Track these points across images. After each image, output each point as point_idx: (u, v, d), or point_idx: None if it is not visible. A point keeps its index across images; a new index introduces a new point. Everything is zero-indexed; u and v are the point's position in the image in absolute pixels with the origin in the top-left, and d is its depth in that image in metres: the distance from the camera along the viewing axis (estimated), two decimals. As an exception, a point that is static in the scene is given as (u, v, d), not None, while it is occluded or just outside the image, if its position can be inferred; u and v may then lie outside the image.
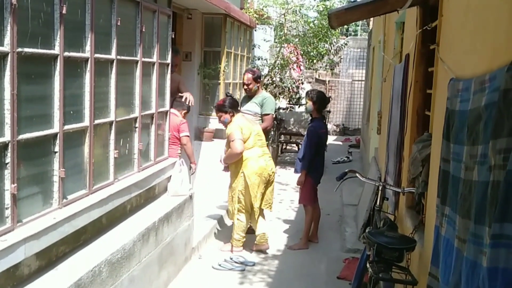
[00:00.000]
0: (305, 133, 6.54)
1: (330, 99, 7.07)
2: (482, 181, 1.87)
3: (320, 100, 6.35)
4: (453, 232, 2.20)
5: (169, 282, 5.00)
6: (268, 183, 5.91)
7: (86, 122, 3.76)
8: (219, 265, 5.56)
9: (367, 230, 3.85)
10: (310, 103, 6.33)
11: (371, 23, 13.77)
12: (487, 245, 1.73)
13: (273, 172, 5.96)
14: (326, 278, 5.42)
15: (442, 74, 3.13)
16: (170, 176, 5.43)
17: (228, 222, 6.98)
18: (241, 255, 5.87)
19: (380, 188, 4.39)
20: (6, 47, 2.84)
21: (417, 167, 3.57)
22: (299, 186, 6.46)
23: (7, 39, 2.84)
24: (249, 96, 6.93)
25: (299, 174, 6.31)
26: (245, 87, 6.85)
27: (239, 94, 9.37)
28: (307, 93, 6.62)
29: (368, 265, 3.58)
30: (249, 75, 6.81)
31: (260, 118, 6.79)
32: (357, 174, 4.63)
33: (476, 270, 1.84)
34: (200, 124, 8.25)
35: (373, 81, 10.07)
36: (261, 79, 7.65)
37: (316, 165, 6.33)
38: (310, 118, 6.65)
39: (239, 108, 6.17)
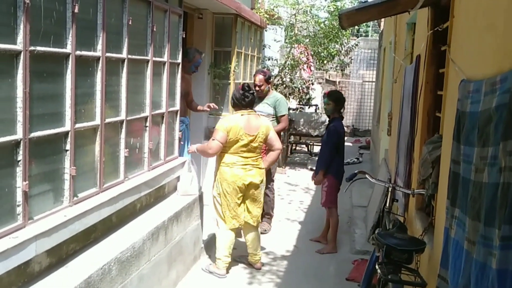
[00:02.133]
0: (325, 133, 6.47)
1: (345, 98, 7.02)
2: (492, 182, 1.86)
3: (339, 100, 6.33)
4: (463, 234, 2.19)
5: (178, 281, 5.02)
6: (247, 195, 5.28)
7: (97, 121, 3.78)
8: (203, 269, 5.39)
9: (376, 232, 3.84)
10: (332, 105, 6.28)
11: (382, 24, 13.73)
12: (497, 247, 1.72)
13: (253, 184, 5.23)
14: (335, 280, 5.41)
15: (453, 76, 3.12)
16: (180, 175, 5.45)
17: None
18: (215, 271, 5.29)
19: (390, 189, 4.38)
20: (19, 46, 2.87)
21: (427, 169, 3.56)
22: (324, 190, 6.28)
23: (20, 38, 2.87)
24: (260, 97, 6.90)
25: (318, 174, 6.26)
26: (257, 88, 6.77)
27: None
28: (327, 95, 6.58)
29: (377, 266, 3.58)
30: (261, 76, 6.78)
31: (274, 119, 6.79)
32: (367, 175, 4.62)
33: (486, 272, 1.83)
34: (210, 124, 8.25)
35: (384, 82, 10.03)
36: (272, 79, 7.61)
37: (337, 165, 6.21)
38: (327, 119, 6.60)
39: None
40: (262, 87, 6.75)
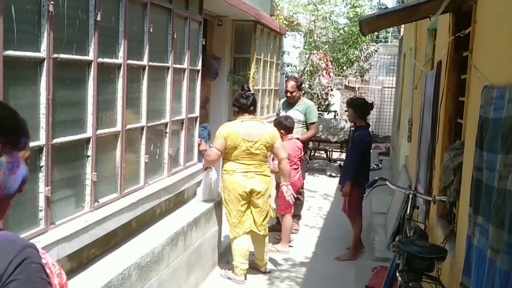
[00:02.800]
0: (350, 142, 6.38)
1: (373, 104, 6.84)
2: (516, 190, 1.84)
3: (361, 107, 6.19)
4: (486, 242, 2.16)
5: (197, 286, 5.03)
6: (252, 203, 5.18)
7: (118, 127, 3.82)
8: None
9: (397, 239, 3.81)
10: (351, 111, 6.23)
11: (402, 30, 13.65)
12: (522, 256, 1.70)
13: (256, 192, 5.12)
14: (355, 287, 5.37)
15: (475, 82, 3.09)
16: (200, 181, 5.46)
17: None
18: (233, 277, 5.24)
19: (410, 196, 4.33)
20: (42, 53, 2.92)
21: (449, 176, 3.52)
22: (347, 199, 6.18)
23: (43, 45, 2.92)
24: (290, 103, 6.93)
25: (340, 185, 6.18)
26: (289, 94, 6.84)
27: (267, 101, 9.38)
28: (347, 102, 6.53)
29: (397, 274, 3.54)
30: (293, 83, 6.84)
31: (303, 126, 6.82)
32: (387, 182, 4.58)
33: (510, 280, 1.80)
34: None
35: (404, 88, 9.96)
36: (303, 86, 7.67)
37: (363, 175, 6.03)
38: (346, 125, 6.54)
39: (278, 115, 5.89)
40: (294, 93, 6.83)
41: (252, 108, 5.20)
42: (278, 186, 5.97)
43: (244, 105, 5.16)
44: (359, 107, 6.18)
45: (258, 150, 5.10)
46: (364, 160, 6.10)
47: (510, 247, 1.84)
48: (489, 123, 2.34)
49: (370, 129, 6.46)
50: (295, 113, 6.79)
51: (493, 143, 2.22)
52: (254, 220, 5.23)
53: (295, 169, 6.17)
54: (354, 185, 6.00)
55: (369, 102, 6.56)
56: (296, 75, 11.37)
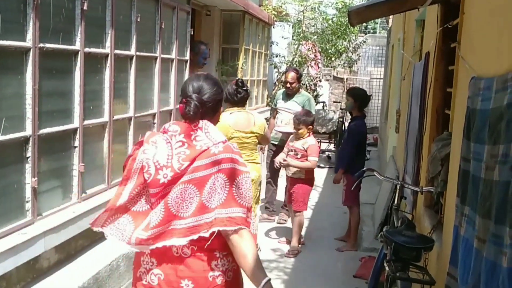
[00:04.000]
0: (346, 131, 6.38)
1: (371, 97, 6.88)
2: (503, 181, 1.85)
3: (362, 98, 6.22)
4: (473, 232, 2.18)
5: (185, 277, 5.02)
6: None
7: (105, 118, 3.79)
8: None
9: (384, 229, 3.82)
10: (351, 101, 6.24)
11: (390, 20, 13.67)
12: (508, 246, 1.71)
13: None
14: (343, 277, 5.40)
15: (463, 73, 3.10)
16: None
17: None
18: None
19: (398, 187, 4.36)
20: (28, 43, 2.88)
21: (436, 166, 3.54)
22: (343, 189, 6.21)
23: (29, 35, 2.88)
24: (289, 94, 6.91)
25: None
26: (289, 85, 6.83)
27: (256, 91, 9.36)
28: (347, 90, 6.55)
29: (385, 264, 3.57)
30: (293, 74, 6.82)
31: None
32: (375, 173, 4.60)
33: (496, 270, 1.82)
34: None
35: (392, 79, 9.99)
36: (302, 77, 7.66)
37: (359, 164, 5.98)
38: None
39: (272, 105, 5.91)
40: (294, 85, 6.82)
41: (243, 100, 5.19)
42: (293, 182, 5.97)
43: (237, 100, 5.10)
44: (360, 98, 6.20)
45: (250, 139, 5.09)
46: (360, 150, 6.12)
47: (496, 237, 1.85)
48: (476, 114, 2.35)
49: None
50: (293, 105, 6.79)
51: (481, 134, 2.23)
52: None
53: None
54: (350, 174, 6.01)
55: (368, 94, 6.59)
56: (284, 65, 11.36)
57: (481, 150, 2.19)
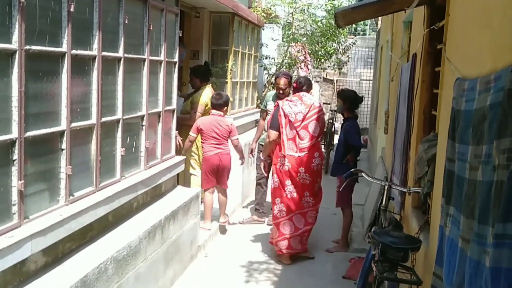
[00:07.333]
0: (340, 133, 6.37)
1: (363, 98, 6.91)
2: (486, 181, 1.87)
3: (350, 99, 6.29)
4: (457, 232, 2.20)
5: (175, 279, 5.02)
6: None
7: (93, 120, 3.78)
8: None
9: (372, 230, 3.84)
10: (340, 102, 6.29)
11: (379, 22, 13.73)
12: (490, 245, 1.73)
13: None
14: (332, 278, 5.42)
15: (449, 74, 3.13)
16: (178, 174, 5.45)
17: (234, 220, 7.01)
18: None
19: (386, 187, 4.38)
20: (14, 45, 2.87)
21: (423, 167, 3.56)
22: (336, 190, 6.27)
23: (15, 37, 2.87)
24: (280, 98, 6.95)
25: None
26: (281, 91, 6.86)
27: (246, 93, 9.37)
28: (337, 92, 6.60)
29: (373, 264, 3.58)
30: (285, 80, 6.84)
31: None
32: (363, 174, 4.62)
33: (480, 270, 1.83)
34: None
35: (381, 81, 10.04)
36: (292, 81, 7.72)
37: (352, 166, 6.03)
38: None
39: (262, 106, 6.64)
40: (286, 90, 6.87)
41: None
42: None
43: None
44: (349, 100, 6.25)
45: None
46: (349, 150, 6.13)
47: (479, 237, 1.87)
48: (461, 115, 2.37)
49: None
50: None
51: (465, 134, 2.25)
52: None
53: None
54: (340, 175, 6.02)
55: (360, 95, 6.61)
56: (274, 67, 11.38)
57: (465, 150, 2.21)
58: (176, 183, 5.78)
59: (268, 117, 6.89)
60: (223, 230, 6.54)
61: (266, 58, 11.10)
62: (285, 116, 5.67)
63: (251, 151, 7.22)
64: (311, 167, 5.71)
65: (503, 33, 2.01)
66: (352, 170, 4.71)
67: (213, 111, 6.21)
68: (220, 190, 6.27)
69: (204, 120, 6.21)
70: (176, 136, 5.65)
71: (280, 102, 5.97)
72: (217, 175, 6.18)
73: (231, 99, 8.25)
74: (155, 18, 4.79)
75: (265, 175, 6.94)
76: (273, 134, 5.72)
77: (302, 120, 5.67)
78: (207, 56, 8.09)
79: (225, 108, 6.31)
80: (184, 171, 6.17)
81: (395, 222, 3.77)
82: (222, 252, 5.95)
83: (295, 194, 5.70)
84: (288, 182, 5.67)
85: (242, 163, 6.72)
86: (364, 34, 22.19)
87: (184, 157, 5.88)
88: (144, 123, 4.65)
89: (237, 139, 6.31)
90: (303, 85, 5.99)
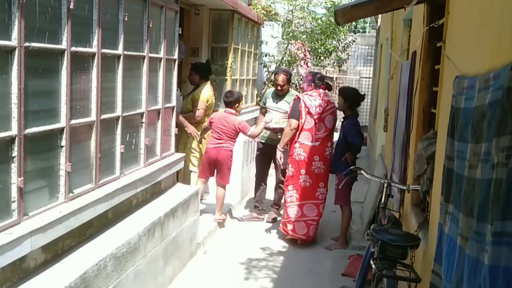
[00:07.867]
0: (340, 131, 6.36)
1: (365, 96, 6.92)
2: (485, 179, 1.87)
3: (352, 97, 6.30)
4: (456, 230, 2.20)
5: (174, 277, 5.03)
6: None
7: (92, 117, 3.78)
8: None
9: (371, 227, 3.85)
10: (341, 100, 6.30)
11: (379, 20, 13.73)
12: (489, 243, 1.73)
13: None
14: (331, 275, 5.42)
15: (448, 72, 3.13)
16: (178, 171, 5.45)
17: (234, 217, 7.01)
18: None
19: (385, 185, 4.38)
20: (13, 42, 2.86)
21: (422, 165, 3.57)
22: (335, 188, 6.24)
23: (14, 34, 2.86)
24: (279, 94, 6.97)
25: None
26: (279, 88, 6.88)
27: (246, 91, 9.36)
28: (339, 90, 6.65)
29: (372, 262, 3.58)
30: (284, 76, 6.89)
31: None
32: (363, 171, 4.62)
33: (478, 268, 1.84)
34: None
35: (381, 79, 10.04)
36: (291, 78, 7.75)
37: (348, 163, 6.00)
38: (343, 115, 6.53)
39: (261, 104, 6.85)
40: (285, 87, 6.93)
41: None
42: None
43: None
44: (350, 98, 6.26)
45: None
46: (349, 148, 6.13)
47: (478, 235, 1.87)
48: (460, 113, 2.37)
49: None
50: (283, 105, 6.87)
51: (464, 132, 2.25)
52: None
53: None
54: (339, 172, 6.01)
55: (361, 94, 6.62)
56: (274, 65, 11.37)
57: (465, 148, 2.21)
58: (175, 180, 5.78)
59: (267, 114, 6.90)
60: (221, 226, 6.57)
61: (266, 55, 11.09)
62: (306, 107, 6.07)
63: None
64: (325, 156, 6.14)
65: (503, 31, 2.01)
66: (351, 167, 4.71)
67: (226, 109, 6.47)
68: (218, 185, 6.34)
69: (217, 114, 6.54)
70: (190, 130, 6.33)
71: (300, 95, 6.32)
72: (213, 167, 6.30)
73: (244, 93, 8.36)
74: (155, 15, 4.78)
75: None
76: (295, 122, 6.08)
77: (321, 113, 6.06)
78: (206, 53, 8.09)
79: (237, 105, 6.48)
80: (184, 168, 6.20)
81: (394, 219, 3.78)
82: (222, 249, 5.96)
83: (308, 184, 6.09)
84: (303, 171, 6.07)
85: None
86: (364, 32, 22.19)
87: (184, 154, 5.92)
88: (143, 120, 4.65)
89: (250, 134, 6.53)
90: (323, 84, 6.39)
